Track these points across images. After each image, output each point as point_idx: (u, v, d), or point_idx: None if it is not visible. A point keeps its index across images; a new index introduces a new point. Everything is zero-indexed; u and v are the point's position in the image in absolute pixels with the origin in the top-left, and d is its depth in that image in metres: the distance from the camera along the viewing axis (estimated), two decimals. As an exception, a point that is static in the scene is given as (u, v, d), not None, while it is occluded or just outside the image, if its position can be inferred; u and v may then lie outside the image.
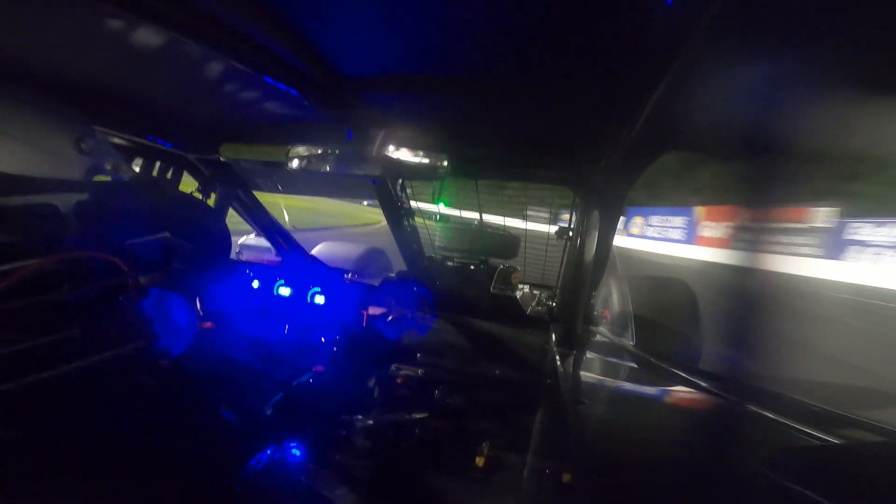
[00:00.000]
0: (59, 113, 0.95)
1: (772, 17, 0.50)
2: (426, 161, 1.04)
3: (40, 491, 0.66)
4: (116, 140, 1.28)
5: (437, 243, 1.91)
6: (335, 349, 1.27)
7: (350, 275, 1.51)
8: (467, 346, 1.41)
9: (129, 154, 1.35)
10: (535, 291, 2.04)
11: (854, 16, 0.47)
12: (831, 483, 0.49)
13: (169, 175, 1.51)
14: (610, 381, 1.25)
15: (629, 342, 1.53)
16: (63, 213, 0.84)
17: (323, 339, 1.28)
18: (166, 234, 1.06)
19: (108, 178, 1.13)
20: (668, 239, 19.14)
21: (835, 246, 12.17)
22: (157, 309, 0.93)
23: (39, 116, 0.90)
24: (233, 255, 1.57)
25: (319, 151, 1.08)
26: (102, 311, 0.85)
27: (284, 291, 1.38)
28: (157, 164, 1.46)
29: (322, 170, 1.07)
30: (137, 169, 1.42)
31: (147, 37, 0.74)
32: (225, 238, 1.39)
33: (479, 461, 1.14)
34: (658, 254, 16.51)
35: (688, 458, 0.69)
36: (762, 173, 0.55)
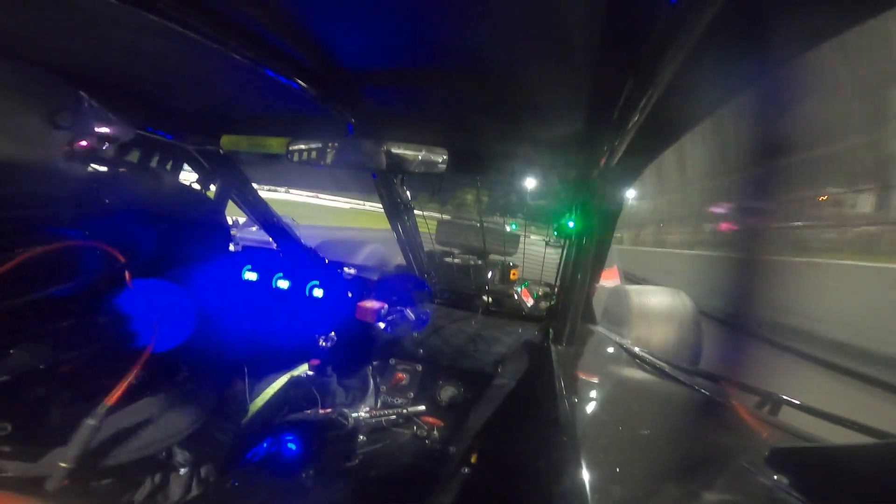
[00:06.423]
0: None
1: (772, 17, 0.50)
2: (426, 155, 1.04)
3: (35, 485, 0.66)
4: None
5: (436, 239, 1.91)
6: (332, 342, 1.27)
7: (349, 268, 1.51)
8: (465, 341, 1.41)
9: (128, 145, 1.34)
10: (533, 288, 2.05)
11: (852, 18, 0.46)
12: (818, 484, 0.49)
13: (168, 166, 1.51)
14: (607, 379, 1.26)
15: (627, 341, 1.53)
16: (61, 202, 0.84)
17: (320, 333, 1.28)
18: (165, 225, 1.06)
19: (107, 169, 1.13)
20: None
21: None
22: (155, 300, 0.93)
23: (41, 107, 0.90)
24: (231, 248, 1.57)
25: (320, 145, 1.07)
26: (98, 302, 0.85)
27: (283, 284, 1.38)
28: (157, 154, 1.46)
29: (322, 163, 1.07)
30: (137, 159, 1.42)
31: (147, 28, 0.73)
32: (224, 230, 1.39)
33: (475, 456, 1.14)
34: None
35: (679, 455, 0.69)
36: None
